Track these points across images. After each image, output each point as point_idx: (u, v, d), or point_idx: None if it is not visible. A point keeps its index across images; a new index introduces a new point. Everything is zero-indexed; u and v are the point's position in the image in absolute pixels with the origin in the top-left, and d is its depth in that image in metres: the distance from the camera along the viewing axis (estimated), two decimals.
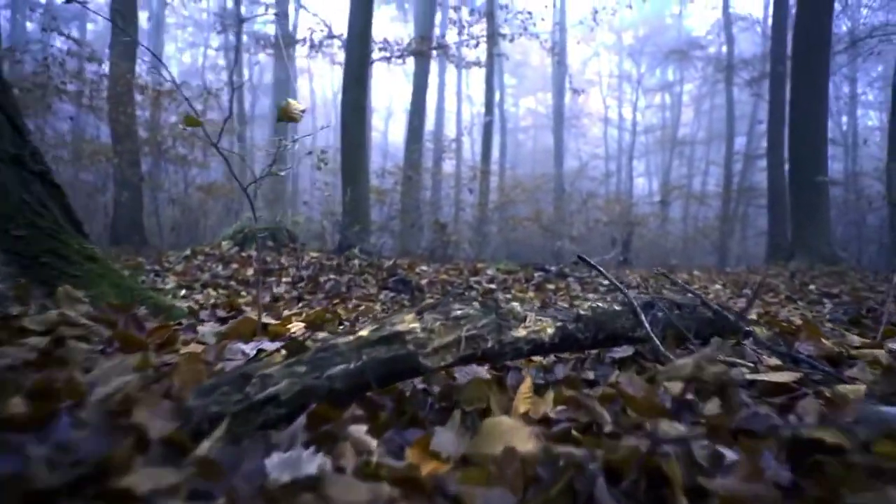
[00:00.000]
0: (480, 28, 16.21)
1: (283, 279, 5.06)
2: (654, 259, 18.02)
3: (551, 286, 5.81)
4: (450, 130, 32.29)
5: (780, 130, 17.93)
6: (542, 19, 16.50)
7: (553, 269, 6.65)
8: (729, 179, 25.70)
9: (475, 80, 36.96)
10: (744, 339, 1.98)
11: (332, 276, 5.15)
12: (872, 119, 35.79)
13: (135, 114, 13.36)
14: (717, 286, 6.39)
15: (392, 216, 15.21)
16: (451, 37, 16.80)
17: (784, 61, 17.49)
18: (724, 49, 27.83)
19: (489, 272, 6.46)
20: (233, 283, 4.85)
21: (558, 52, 16.90)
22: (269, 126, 22.89)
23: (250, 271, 5.19)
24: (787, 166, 17.72)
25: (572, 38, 27.75)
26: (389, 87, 41.23)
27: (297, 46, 17.30)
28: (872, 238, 19.14)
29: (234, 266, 5.46)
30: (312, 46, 15.15)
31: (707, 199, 24.05)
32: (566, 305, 5.07)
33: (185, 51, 37.72)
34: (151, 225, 13.54)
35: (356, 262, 5.54)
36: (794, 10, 15.05)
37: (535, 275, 6.44)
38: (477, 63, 16.17)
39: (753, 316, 3.07)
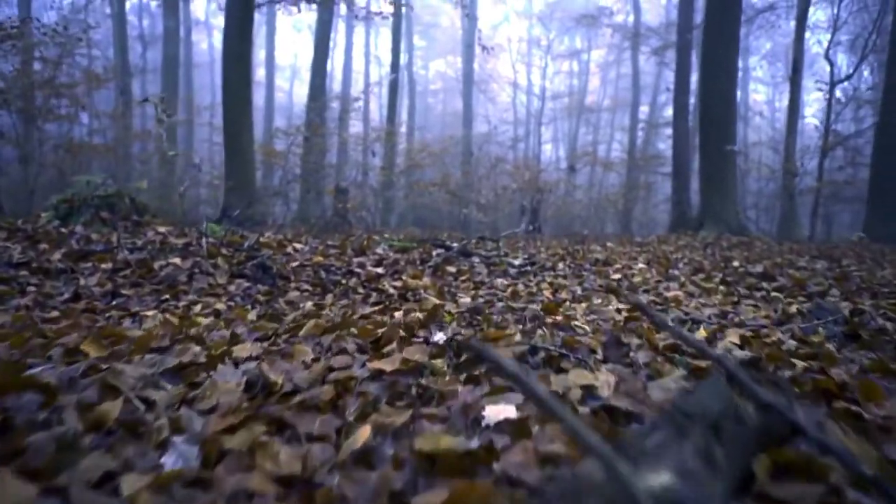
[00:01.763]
0: None
1: (103, 265, 3.73)
2: (562, 227, 17.39)
3: (452, 269, 4.75)
4: (357, 92, 30.55)
5: (686, 99, 17.60)
6: None
7: (455, 245, 5.59)
8: (633, 147, 25.48)
9: (384, 40, 35.40)
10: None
11: (171, 261, 3.87)
12: (761, 93, 37.03)
13: None
14: (641, 265, 5.52)
15: (289, 180, 13.75)
16: None
17: (691, 30, 17.03)
18: (631, 18, 27.46)
19: (379, 250, 5.32)
20: (24, 272, 3.50)
21: (467, 3, 15.62)
22: (159, 80, 20.53)
23: (57, 255, 3.83)
24: (693, 135, 17.45)
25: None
26: (294, 45, 38.88)
27: None
28: (769, 206, 19.27)
29: (43, 247, 4.07)
30: None
31: (613, 166, 23.67)
32: (469, 295, 4.06)
33: None
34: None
35: (210, 239, 4.24)
36: None
37: (434, 253, 5.36)
38: (380, 14, 14.65)
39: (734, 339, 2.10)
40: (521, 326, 2.34)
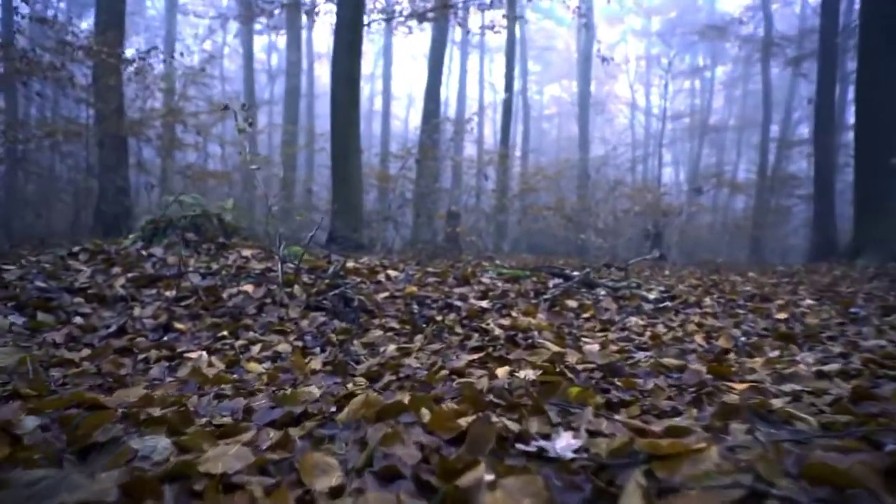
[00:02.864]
0: None
1: (167, 292, 3.21)
2: (686, 253, 15.90)
3: (573, 303, 3.90)
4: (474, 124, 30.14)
5: (830, 112, 15.69)
6: None
7: (576, 274, 4.73)
8: (764, 167, 23.28)
9: (497, 67, 34.96)
10: None
11: (242, 288, 3.30)
12: None
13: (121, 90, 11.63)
14: (808, 300, 4.40)
15: (400, 204, 13.33)
16: None
17: (836, 34, 15.21)
18: (762, 29, 25.38)
19: (485, 279, 4.55)
20: (80, 299, 3.03)
21: (584, 13, 14.71)
22: (282, 110, 21.16)
23: (122, 280, 3.35)
24: (839, 152, 15.53)
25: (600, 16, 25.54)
26: (410, 74, 39.28)
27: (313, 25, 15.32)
28: None
29: (116, 271, 3.63)
30: (308, 13, 13.20)
31: (743, 188, 21.69)
32: (596, 339, 3.18)
33: (206, 39, 36.04)
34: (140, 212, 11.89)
35: (290, 265, 3.64)
36: None
37: (551, 284, 4.53)
38: (493, 27, 13.98)
39: None
40: (695, 411, 1.48)
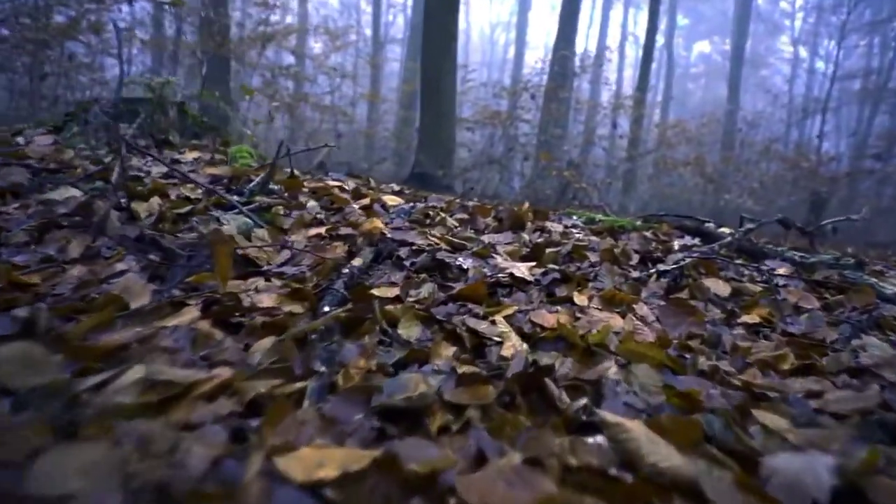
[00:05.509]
0: None
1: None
2: (857, 232, 12.57)
3: (717, 285, 1.84)
4: (611, 72, 26.92)
5: None
6: None
7: (725, 233, 2.61)
8: None
9: (642, 19, 31.08)
10: None
11: (52, 196, 1.57)
12: None
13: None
14: None
15: (511, 147, 11.25)
16: None
17: None
18: None
19: (556, 225, 2.53)
20: None
21: None
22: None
23: None
24: None
25: None
26: (548, 24, 36.20)
27: None
28: None
29: None
30: None
31: None
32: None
33: None
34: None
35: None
36: None
37: (676, 245, 2.45)
38: None
39: None
40: None
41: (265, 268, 1.62)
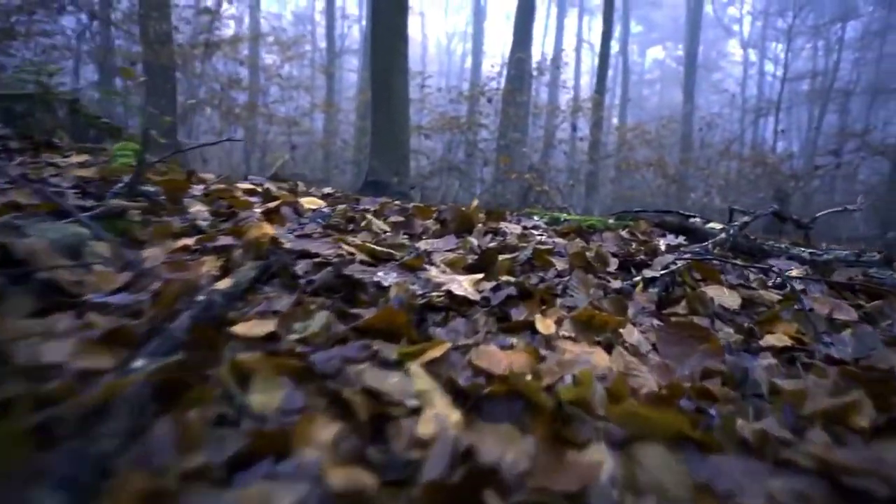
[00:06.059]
0: None
1: None
2: (827, 226, 12.43)
3: (720, 294, 1.38)
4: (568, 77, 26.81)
5: None
6: None
7: (715, 229, 2.17)
8: None
9: (596, 26, 31.08)
10: None
11: None
12: None
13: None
14: None
15: (469, 153, 10.84)
16: None
17: None
18: None
19: (512, 226, 2.05)
20: None
21: None
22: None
23: None
24: None
25: None
26: (504, 34, 36.10)
27: None
28: None
29: None
30: None
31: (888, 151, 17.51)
32: None
33: None
34: None
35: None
36: None
37: (662, 246, 1.99)
38: None
39: None
40: None
41: (86, 297, 1.10)
